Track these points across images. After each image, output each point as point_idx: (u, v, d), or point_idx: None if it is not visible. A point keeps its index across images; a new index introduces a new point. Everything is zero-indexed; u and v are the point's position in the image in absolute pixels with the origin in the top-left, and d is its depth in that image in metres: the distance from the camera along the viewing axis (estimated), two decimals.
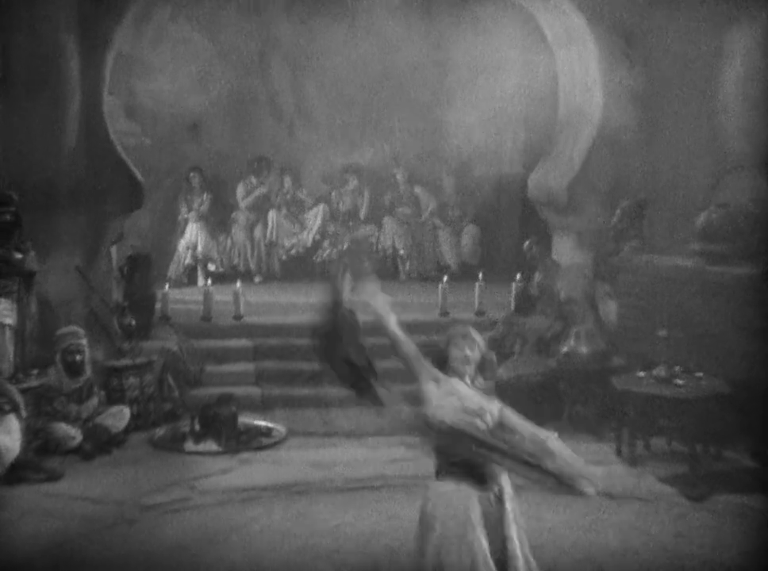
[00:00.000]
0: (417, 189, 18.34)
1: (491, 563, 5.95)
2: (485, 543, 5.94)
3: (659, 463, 10.56)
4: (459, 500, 6.00)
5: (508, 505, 6.12)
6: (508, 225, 18.15)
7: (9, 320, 11.17)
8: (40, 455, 10.41)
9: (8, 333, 11.16)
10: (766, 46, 12.42)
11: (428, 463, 6.31)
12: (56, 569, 7.97)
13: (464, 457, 6.00)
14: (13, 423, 9.95)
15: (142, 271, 13.55)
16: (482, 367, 6.22)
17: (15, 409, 10.04)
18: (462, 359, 6.14)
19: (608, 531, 8.75)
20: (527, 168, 16.35)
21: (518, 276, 14.26)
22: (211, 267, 17.38)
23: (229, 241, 17.79)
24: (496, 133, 17.90)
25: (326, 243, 17.90)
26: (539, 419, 11.32)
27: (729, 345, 11.01)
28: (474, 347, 6.19)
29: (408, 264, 17.91)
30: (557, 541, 8.45)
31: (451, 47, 17.38)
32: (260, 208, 17.97)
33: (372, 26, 17.55)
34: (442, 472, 6.14)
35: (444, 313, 14.25)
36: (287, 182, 18.11)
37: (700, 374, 10.76)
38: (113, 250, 13.95)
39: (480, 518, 5.99)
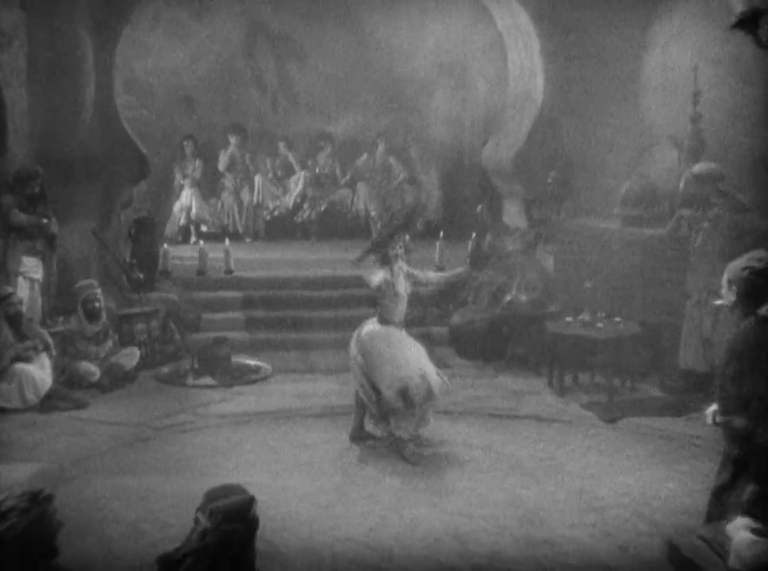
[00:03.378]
0: (391, 160, 19.25)
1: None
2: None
3: (584, 393, 12.03)
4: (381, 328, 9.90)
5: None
6: (468, 189, 18.87)
7: (38, 275, 12.41)
8: (67, 388, 11.79)
9: (36, 286, 12.42)
10: (681, 38, 13.59)
11: None
12: (87, 476, 9.30)
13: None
14: (46, 361, 11.51)
15: (147, 232, 14.67)
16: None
17: (47, 349, 11.59)
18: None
19: (536, 446, 10.29)
20: (486, 136, 17.40)
21: (473, 235, 15.25)
22: (203, 228, 18.51)
23: (219, 204, 18.84)
24: (460, 108, 19.17)
25: (306, 205, 19.00)
26: (487, 357, 13.15)
27: (642, 294, 12.48)
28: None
29: (379, 224, 18.51)
30: (494, 453, 10.04)
31: (418, 33, 18.53)
32: (247, 173, 19.02)
33: (348, 11, 18.77)
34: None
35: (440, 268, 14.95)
36: (282, 146, 19.23)
37: (619, 319, 12.14)
38: (123, 214, 15.07)
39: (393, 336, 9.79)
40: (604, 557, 7.72)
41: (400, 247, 10.04)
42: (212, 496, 5.34)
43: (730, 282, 6.36)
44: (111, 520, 8.22)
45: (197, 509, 5.32)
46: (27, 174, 12.43)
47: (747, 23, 5.33)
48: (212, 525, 5.20)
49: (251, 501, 5.39)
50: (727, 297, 6.39)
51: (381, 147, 19.33)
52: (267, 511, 8.38)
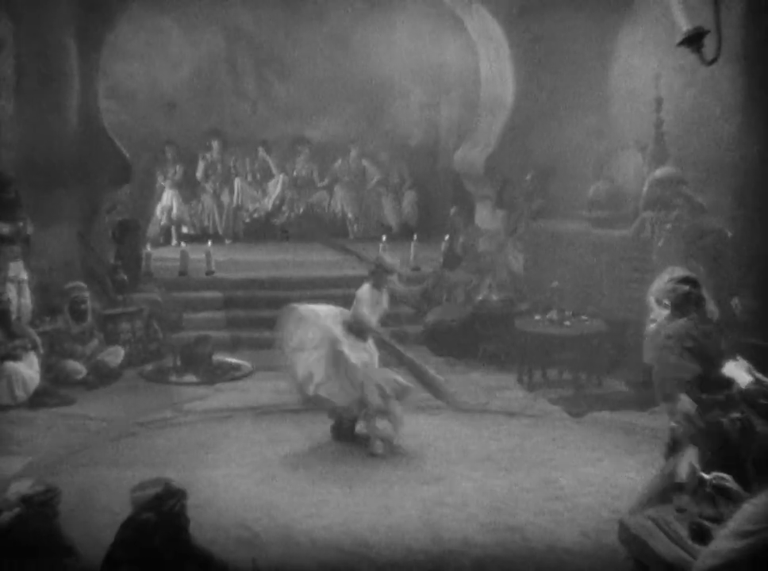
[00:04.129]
0: (365, 162, 19.58)
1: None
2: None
3: (552, 389, 12.41)
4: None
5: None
6: (442, 191, 19.18)
7: (23, 277, 12.64)
8: (55, 385, 12.08)
9: (24, 288, 12.64)
10: (645, 47, 13.91)
11: None
12: (75, 469, 9.62)
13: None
14: (34, 359, 11.81)
15: (130, 235, 14.92)
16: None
17: (35, 348, 11.89)
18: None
19: (506, 438, 10.71)
20: (459, 140, 17.68)
21: (446, 237, 15.60)
22: (184, 229, 18.77)
23: (200, 206, 19.10)
24: (434, 113, 19.49)
25: (284, 208, 19.32)
26: (459, 355, 13.48)
27: (608, 293, 12.89)
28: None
29: (355, 225, 19.23)
30: (466, 445, 10.45)
31: (393, 40, 18.84)
32: (227, 176, 19.26)
33: (324, 20, 19.09)
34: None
35: (416, 268, 15.72)
36: (261, 150, 19.47)
37: (585, 317, 12.57)
38: (107, 217, 15.33)
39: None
40: (568, 543, 8.11)
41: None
42: (135, 487, 5.71)
43: (658, 301, 6.81)
44: (98, 509, 8.53)
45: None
46: (1, 181, 12.66)
47: (692, 41, 5.68)
48: (132, 514, 5.60)
49: (164, 494, 5.69)
50: (659, 316, 6.82)
51: (353, 152, 19.61)
52: (249, 501, 8.83)
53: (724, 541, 5.07)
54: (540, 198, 14.78)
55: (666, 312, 6.86)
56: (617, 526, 6.85)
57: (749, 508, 5.16)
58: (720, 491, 5.73)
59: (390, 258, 10.76)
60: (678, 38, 5.80)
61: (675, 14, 5.73)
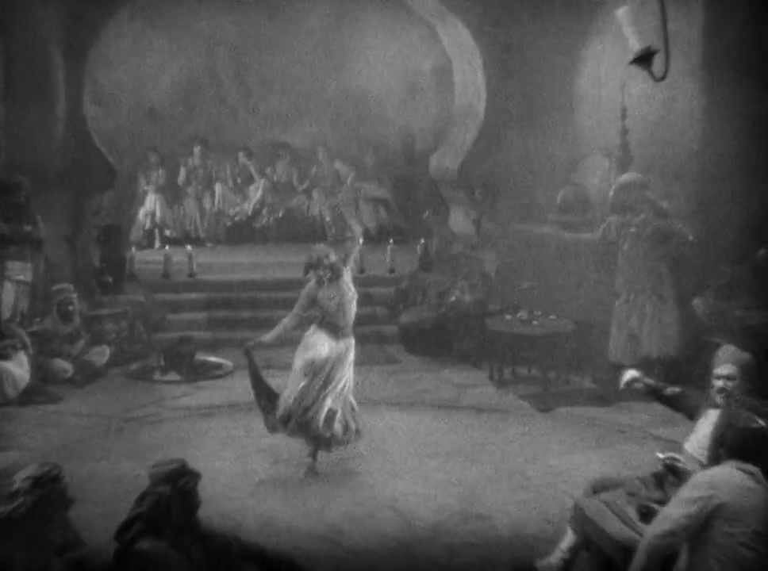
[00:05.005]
0: (337, 164, 19.83)
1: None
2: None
3: (521, 385, 12.77)
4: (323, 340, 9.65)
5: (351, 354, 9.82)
6: (418, 196, 19.39)
7: (23, 277, 12.91)
8: (43, 384, 12.35)
9: (21, 288, 12.91)
10: (612, 57, 14.16)
11: None
12: (64, 463, 9.88)
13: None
14: (23, 359, 12.04)
15: (114, 238, 15.23)
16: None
17: (24, 347, 12.12)
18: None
19: (476, 433, 11.05)
20: (434, 146, 17.89)
21: (421, 240, 15.97)
22: (167, 232, 18.97)
23: (182, 210, 19.33)
24: (410, 119, 19.77)
25: (264, 212, 19.60)
26: (433, 353, 13.79)
27: (575, 293, 13.20)
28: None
29: (333, 229, 19.40)
30: (438, 439, 10.79)
31: (370, 48, 19.19)
32: (209, 181, 19.51)
33: (304, 29, 19.37)
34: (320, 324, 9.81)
35: (361, 271, 15.62)
36: (241, 156, 19.74)
37: (553, 317, 12.91)
38: (92, 221, 15.48)
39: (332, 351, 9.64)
40: (533, 530, 8.48)
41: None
42: (153, 465, 6.12)
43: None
44: (87, 500, 8.73)
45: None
46: (9, 185, 12.95)
47: (643, 60, 6.03)
48: (148, 488, 5.94)
49: (180, 470, 6.05)
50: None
51: (321, 154, 19.89)
52: (230, 493, 9.16)
53: (677, 507, 5.45)
54: (487, 211, 15.22)
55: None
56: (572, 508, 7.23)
57: (698, 477, 5.55)
58: (672, 470, 6.16)
59: (320, 249, 10.19)
60: (630, 57, 6.09)
61: (627, 35, 6.05)
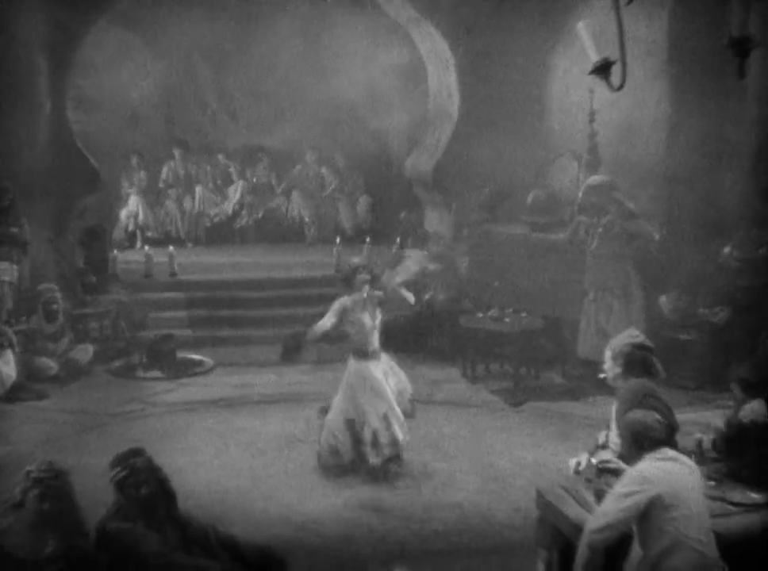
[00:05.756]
0: (324, 170, 19.96)
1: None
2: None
3: (493, 381, 13.06)
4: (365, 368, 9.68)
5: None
6: (394, 196, 19.25)
7: (8, 278, 13.15)
8: (29, 381, 12.56)
9: (7, 288, 13.16)
10: (581, 63, 14.44)
11: (317, 384, 9.00)
12: (52, 456, 10.06)
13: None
14: (10, 357, 12.22)
15: (98, 240, 15.45)
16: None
17: (11, 346, 12.31)
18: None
19: (450, 427, 11.34)
20: (411, 147, 18.21)
21: (397, 240, 16.10)
22: (149, 233, 19.04)
23: (163, 211, 19.42)
24: (386, 122, 19.85)
25: (244, 213, 19.73)
26: (408, 350, 14.04)
27: (545, 291, 13.46)
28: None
29: (312, 229, 19.56)
30: (412, 433, 10.65)
31: (345, 53, 19.19)
32: (188, 184, 19.61)
33: (279, 34, 19.49)
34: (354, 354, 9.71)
35: (339, 270, 15.57)
36: (221, 158, 19.87)
37: (524, 314, 13.12)
38: (76, 223, 15.70)
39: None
40: (501, 517, 8.84)
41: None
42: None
43: (614, 357, 7.31)
44: (75, 492, 9.08)
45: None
46: None
47: (600, 71, 6.30)
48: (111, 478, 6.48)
49: (132, 453, 6.64)
50: (612, 370, 7.34)
51: (310, 156, 20.00)
52: (210, 486, 9.42)
53: (612, 502, 5.78)
54: (487, 212, 15.38)
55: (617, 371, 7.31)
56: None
57: (632, 472, 5.88)
58: (607, 471, 6.55)
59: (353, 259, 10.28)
60: (589, 68, 6.34)
61: (586, 47, 6.31)
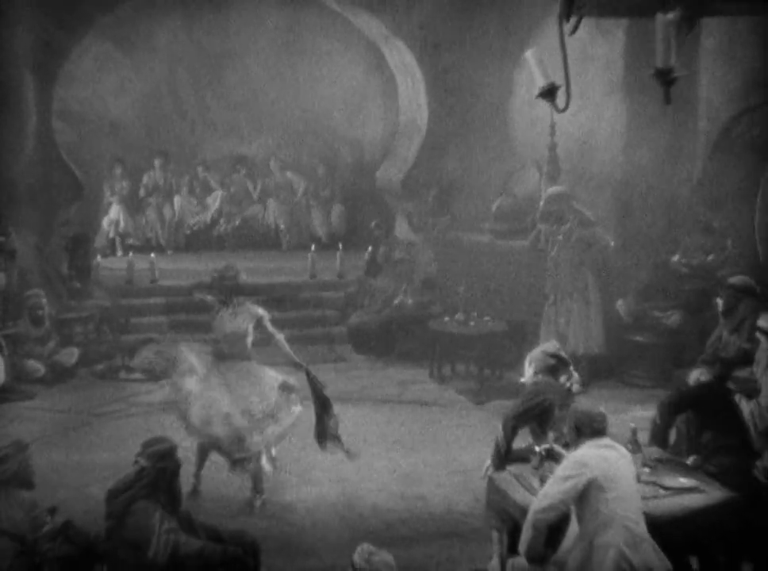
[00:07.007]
0: (289, 174, 20.22)
1: None
2: None
3: (459, 381, 13.56)
4: None
5: None
6: (367, 204, 19.64)
7: None
8: (17, 383, 12.96)
9: None
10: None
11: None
12: (40, 453, 10.27)
13: None
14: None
15: (81, 247, 15.67)
16: None
17: (0, 349, 12.76)
18: None
19: (416, 424, 11.85)
20: (383, 157, 18.59)
21: (369, 248, 16.38)
22: (130, 241, 19.28)
23: (144, 219, 19.69)
24: (360, 133, 20.40)
25: (222, 220, 20.05)
26: (378, 352, 14.43)
27: (508, 296, 13.99)
28: None
29: (288, 237, 19.82)
30: (382, 430, 11.60)
31: (321, 66, 19.82)
32: (169, 192, 19.85)
33: (256, 48, 19.90)
34: None
35: (313, 276, 16.42)
36: (200, 169, 20.14)
37: (488, 318, 13.57)
38: (61, 231, 15.92)
39: None
40: (463, 507, 9.39)
41: None
42: (148, 444, 7.00)
43: (530, 363, 8.07)
44: (63, 485, 9.56)
45: (137, 455, 6.94)
46: None
47: (547, 94, 6.78)
48: (149, 464, 6.79)
49: (175, 447, 7.05)
50: (528, 374, 8.10)
51: (272, 165, 20.29)
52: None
53: (553, 485, 6.30)
54: (446, 214, 15.91)
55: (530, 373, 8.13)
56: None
57: (569, 457, 6.41)
58: (550, 456, 7.16)
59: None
60: (536, 92, 6.82)
61: (533, 72, 6.80)
